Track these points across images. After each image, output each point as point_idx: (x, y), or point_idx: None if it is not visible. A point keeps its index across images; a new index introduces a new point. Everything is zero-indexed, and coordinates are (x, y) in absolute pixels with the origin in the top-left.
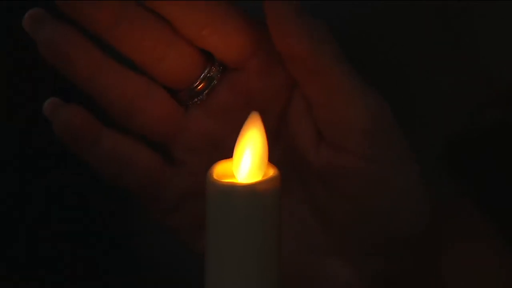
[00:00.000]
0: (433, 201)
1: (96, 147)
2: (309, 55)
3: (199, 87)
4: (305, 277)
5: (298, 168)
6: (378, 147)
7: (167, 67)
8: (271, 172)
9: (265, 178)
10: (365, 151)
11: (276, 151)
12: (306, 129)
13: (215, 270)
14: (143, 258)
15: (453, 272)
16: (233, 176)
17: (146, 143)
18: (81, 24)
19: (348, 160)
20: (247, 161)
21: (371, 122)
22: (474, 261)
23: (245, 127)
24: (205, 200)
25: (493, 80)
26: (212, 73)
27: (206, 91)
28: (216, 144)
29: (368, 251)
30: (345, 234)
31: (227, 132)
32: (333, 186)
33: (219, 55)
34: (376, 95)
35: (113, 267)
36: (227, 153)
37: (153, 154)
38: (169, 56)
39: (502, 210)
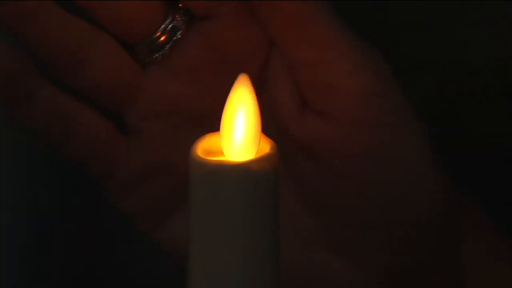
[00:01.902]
0: (447, 177)
1: (31, 102)
2: (290, 2)
3: (159, 40)
4: (291, 271)
5: (280, 141)
6: (376, 112)
7: (118, 13)
8: (267, 147)
9: (260, 155)
10: (359, 117)
11: None
12: (287, 93)
13: (201, 263)
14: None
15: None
16: (221, 153)
17: (95, 106)
18: None
19: (338, 128)
20: (238, 134)
21: (365, 82)
22: (493, 257)
23: (232, 93)
24: (188, 181)
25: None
26: (175, 23)
27: (169, 45)
28: (181, 110)
29: (368, 241)
30: (339, 222)
31: (195, 96)
32: (322, 160)
33: (185, 1)
34: (372, 50)
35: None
36: (195, 121)
37: (102, 118)
38: (121, 1)
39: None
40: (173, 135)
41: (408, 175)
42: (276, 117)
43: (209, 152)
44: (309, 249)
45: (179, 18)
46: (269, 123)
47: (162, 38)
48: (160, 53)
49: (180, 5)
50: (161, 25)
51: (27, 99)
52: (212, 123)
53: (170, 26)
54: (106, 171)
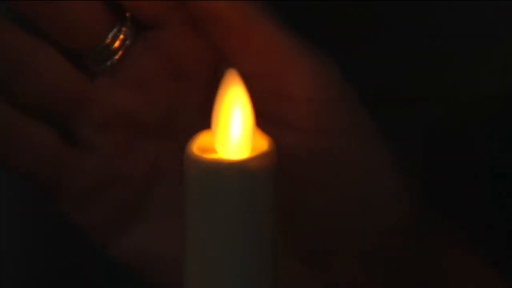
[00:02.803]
0: (411, 182)
1: None
2: (224, 11)
3: (107, 50)
4: None
5: None
6: (329, 119)
7: (62, 21)
8: (265, 144)
9: (257, 152)
10: (312, 124)
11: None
12: None
13: (197, 263)
14: None
15: None
16: (214, 151)
17: (41, 119)
18: None
19: (292, 137)
20: (233, 132)
21: (316, 89)
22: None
23: (223, 88)
24: (184, 180)
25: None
26: (123, 32)
27: (117, 55)
28: (131, 121)
29: (334, 254)
30: (303, 233)
31: (145, 106)
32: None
33: (132, 10)
34: (320, 55)
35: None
36: (146, 132)
37: (49, 131)
38: (64, 6)
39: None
40: (125, 147)
41: (366, 181)
42: None
43: (203, 150)
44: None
45: (126, 29)
46: None
47: (110, 48)
48: (108, 63)
49: (128, 14)
50: (108, 34)
51: None
52: (164, 134)
53: (118, 35)
54: (54, 184)
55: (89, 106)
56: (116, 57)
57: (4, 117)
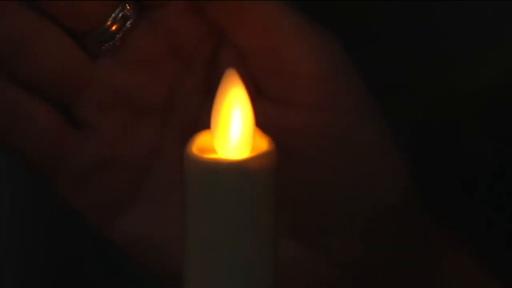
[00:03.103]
0: (408, 165)
1: None
2: None
3: (109, 30)
4: None
5: None
6: (330, 95)
7: (64, 2)
8: (264, 144)
9: (257, 152)
10: (313, 101)
11: (206, 109)
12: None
13: (197, 262)
14: None
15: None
16: (214, 151)
17: (43, 98)
18: None
19: (294, 114)
20: (232, 132)
21: (318, 65)
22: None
23: (222, 89)
24: (183, 180)
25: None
26: (125, 12)
27: (119, 35)
28: (132, 102)
29: (325, 230)
30: (300, 208)
31: (145, 87)
32: (281, 148)
33: None
34: (323, 32)
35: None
36: (146, 113)
37: (50, 110)
38: None
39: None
40: (124, 128)
41: (365, 159)
42: None
43: (202, 150)
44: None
45: (129, 8)
46: None
47: (112, 28)
48: (110, 43)
49: None
50: (111, 14)
51: None
52: (164, 114)
53: (120, 15)
54: (53, 165)
55: (90, 87)
56: (118, 37)
57: (5, 94)
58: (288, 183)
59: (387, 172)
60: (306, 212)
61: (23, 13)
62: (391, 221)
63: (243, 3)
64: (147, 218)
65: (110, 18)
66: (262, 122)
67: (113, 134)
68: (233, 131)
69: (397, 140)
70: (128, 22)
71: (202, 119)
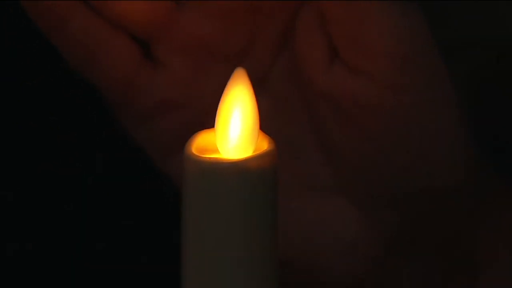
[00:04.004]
0: (472, 149)
1: (66, 27)
2: None
3: None
4: (304, 216)
5: (304, 90)
6: (409, 76)
7: None
8: (265, 144)
9: (258, 152)
10: (391, 79)
11: (278, 64)
12: (317, 43)
13: (196, 263)
14: None
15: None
16: (216, 150)
17: (127, 33)
18: None
19: (368, 87)
20: (234, 132)
21: (399, 45)
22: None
23: (229, 86)
24: (183, 179)
25: None
26: None
27: None
28: (207, 50)
29: (382, 203)
30: (357, 178)
31: (223, 38)
32: (346, 116)
33: None
34: (409, 9)
35: None
36: (220, 60)
37: (131, 44)
38: None
39: None
40: (197, 72)
41: (434, 146)
42: (302, 62)
43: (204, 150)
44: (323, 198)
45: None
46: (296, 69)
47: None
48: None
49: None
50: None
51: (63, 25)
52: (236, 64)
53: None
54: (125, 97)
55: (171, 30)
56: None
57: (94, 28)
58: (350, 151)
59: (450, 158)
60: (364, 178)
61: None
62: (452, 198)
63: None
64: None
65: None
66: (334, 87)
67: (186, 77)
68: (233, 130)
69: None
70: None
71: (272, 73)
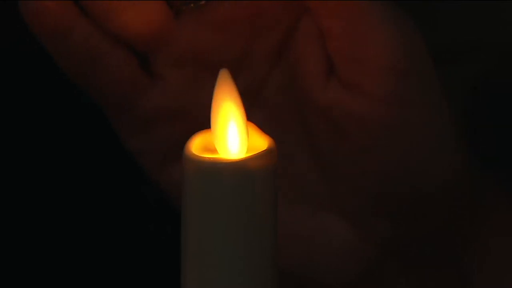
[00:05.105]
0: (465, 155)
1: (67, 39)
2: None
3: None
4: (298, 232)
5: (299, 103)
6: (401, 91)
7: None
8: (265, 144)
9: (258, 152)
10: (383, 93)
11: (273, 77)
12: (315, 58)
13: (195, 263)
14: None
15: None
16: (214, 150)
17: (125, 45)
18: None
19: (363, 102)
20: (233, 131)
21: (395, 59)
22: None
23: (217, 90)
24: (182, 179)
25: None
26: None
27: None
28: (204, 62)
29: (376, 212)
30: (350, 190)
31: (220, 50)
32: (341, 131)
33: None
34: (406, 24)
35: None
36: (215, 73)
37: (130, 56)
38: None
39: None
40: (192, 83)
41: (427, 157)
42: (299, 78)
43: (202, 150)
44: (315, 211)
45: None
46: (292, 83)
47: None
48: (195, 2)
49: None
50: None
51: (64, 37)
52: (233, 75)
53: None
54: (121, 107)
55: (168, 42)
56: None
57: (94, 40)
58: (344, 165)
59: (442, 167)
60: (358, 193)
61: None
62: (443, 202)
63: None
64: None
65: None
66: (329, 103)
67: (182, 89)
68: (233, 131)
69: (455, 117)
70: None
71: (267, 85)
